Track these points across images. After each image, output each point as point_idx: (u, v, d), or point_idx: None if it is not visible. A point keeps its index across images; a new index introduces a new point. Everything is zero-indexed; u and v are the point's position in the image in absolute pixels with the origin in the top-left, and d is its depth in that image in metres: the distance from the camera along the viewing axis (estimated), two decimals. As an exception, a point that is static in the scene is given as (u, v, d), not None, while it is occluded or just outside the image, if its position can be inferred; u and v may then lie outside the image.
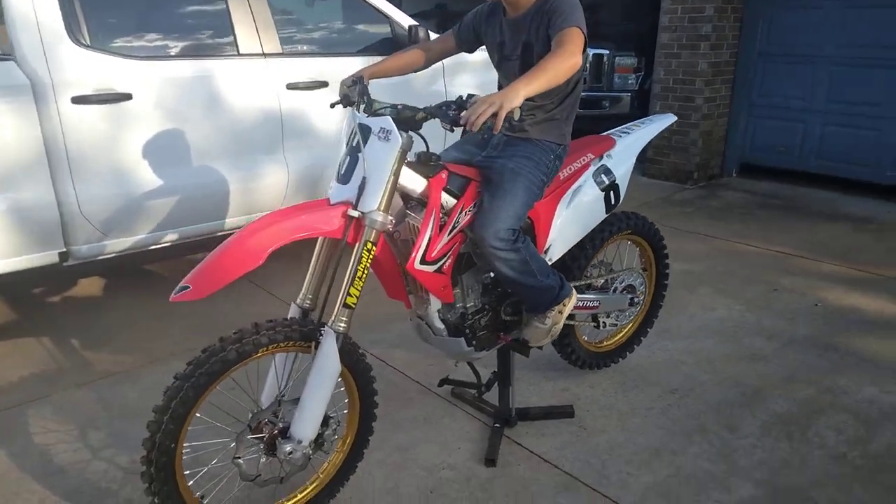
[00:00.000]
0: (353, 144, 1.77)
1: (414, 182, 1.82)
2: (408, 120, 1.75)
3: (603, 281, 2.47)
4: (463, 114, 1.60)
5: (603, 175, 2.24)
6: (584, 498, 2.02)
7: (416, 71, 2.26)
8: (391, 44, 3.80)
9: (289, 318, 1.83)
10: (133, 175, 2.99)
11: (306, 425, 1.72)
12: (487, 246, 1.86)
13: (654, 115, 2.65)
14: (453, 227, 1.88)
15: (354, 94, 1.90)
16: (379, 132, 1.72)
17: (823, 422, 2.38)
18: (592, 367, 2.63)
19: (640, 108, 6.26)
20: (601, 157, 2.27)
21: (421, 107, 1.76)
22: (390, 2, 3.83)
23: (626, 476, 2.12)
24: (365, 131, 1.74)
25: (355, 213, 1.71)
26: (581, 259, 2.34)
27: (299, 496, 1.91)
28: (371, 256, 1.73)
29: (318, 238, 1.83)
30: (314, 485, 1.93)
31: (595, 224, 2.28)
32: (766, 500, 2.00)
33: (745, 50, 5.54)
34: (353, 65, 3.64)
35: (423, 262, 1.83)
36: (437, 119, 1.72)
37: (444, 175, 1.86)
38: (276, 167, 3.42)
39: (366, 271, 1.73)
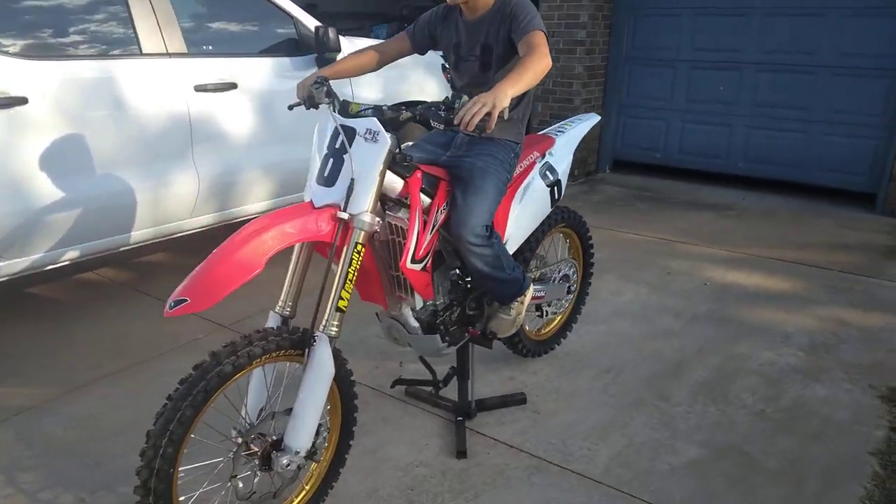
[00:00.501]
0: (337, 146, 1.75)
1: (393, 182, 1.83)
2: (391, 121, 1.76)
3: (540, 272, 2.61)
4: (458, 114, 1.64)
5: (548, 172, 2.38)
6: (555, 476, 2.15)
7: (369, 72, 2.26)
8: (296, 44, 3.73)
9: (272, 327, 1.77)
10: (29, 187, 2.70)
11: (302, 435, 1.68)
12: (465, 242, 1.92)
13: (580, 115, 2.84)
14: (433, 226, 1.92)
15: (322, 95, 1.88)
16: (365, 133, 1.72)
17: (738, 385, 2.69)
18: (535, 355, 2.77)
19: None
20: (544, 155, 2.40)
21: (402, 108, 1.78)
22: None
23: (588, 451, 2.27)
24: (349, 132, 1.74)
25: (345, 216, 1.71)
26: (526, 252, 2.46)
27: (287, 510, 1.86)
28: (360, 258, 1.73)
29: (294, 245, 1.79)
30: (300, 497, 1.89)
31: (542, 218, 2.41)
32: (711, 459, 2.24)
33: (614, 54, 6.02)
34: (261, 66, 3.54)
35: (412, 261, 1.85)
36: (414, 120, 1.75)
37: (419, 175, 1.89)
38: (185, 174, 3.23)
39: (356, 273, 1.73)
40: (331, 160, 1.76)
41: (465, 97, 1.68)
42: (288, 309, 1.82)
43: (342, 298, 1.71)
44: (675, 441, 2.33)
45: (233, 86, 3.36)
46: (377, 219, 1.75)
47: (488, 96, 1.63)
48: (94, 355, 2.84)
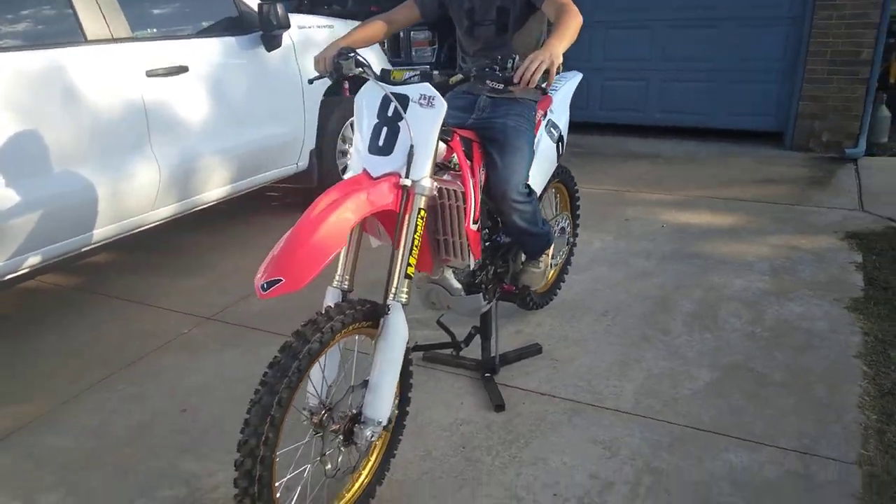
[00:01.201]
0: (390, 115, 1.73)
1: (440, 147, 1.83)
2: (440, 84, 1.76)
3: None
4: (517, 72, 1.66)
5: (552, 129, 2.44)
6: (592, 415, 2.25)
7: (380, 41, 2.22)
8: (240, 23, 3.57)
9: (332, 304, 1.74)
10: (-17, 192, 2.47)
11: (382, 405, 1.67)
12: (509, 201, 1.95)
13: (564, 73, 2.90)
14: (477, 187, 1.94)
15: (352, 65, 1.84)
16: (420, 99, 1.71)
17: (723, 311, 2.90)
18: (539, 307, 2.86)
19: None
20: (546, 113, 2.46)
21: (451, 71, 1.78)
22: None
23: (614, 388, 2.39)
24: (402, 100, 1.72)
25: (408, 182, 1.69)
26: (532, 207, 2.53)
27: (357, 484, 1.85)
28: (424, 223, 1.72)
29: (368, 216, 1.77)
30: (369, 467, 1.88)
31: (552, 172, 2.48)
32: (724, 379, 2.42)
33: (532, 18, 6.14)
34: (209, 47, 3.37)
35: (473, 221, 1.87)
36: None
37: (458, 138, 1.90)
38: (145, 165, 3.04)
39: (420, 239, 1.72)
40: (384, 129, 1.74)
41: (517, 56, 1.70)
42: (346, 283, 1.78)
43: (410, 265, 1.70)
44: (688, 367, 2.49)
45: (184, 69, 3.18)
46: (435, 183, 1.75)
47: (543, 53, 1.66)
48: (72, 366, 2.65)
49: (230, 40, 3.49)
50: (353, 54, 1.87)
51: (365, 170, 1.75)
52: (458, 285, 2.07)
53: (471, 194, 1.88)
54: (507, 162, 1.98)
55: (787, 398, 2.29)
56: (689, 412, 2.24)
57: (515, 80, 1.67)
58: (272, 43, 3.69)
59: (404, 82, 1.77)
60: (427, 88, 1.72)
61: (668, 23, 5.82)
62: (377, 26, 2.17)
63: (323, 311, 1.59)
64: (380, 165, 1.73)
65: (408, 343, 1.72)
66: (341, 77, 1.91)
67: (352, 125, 4.29)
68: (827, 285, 3.09)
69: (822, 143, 5.30)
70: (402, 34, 6.60)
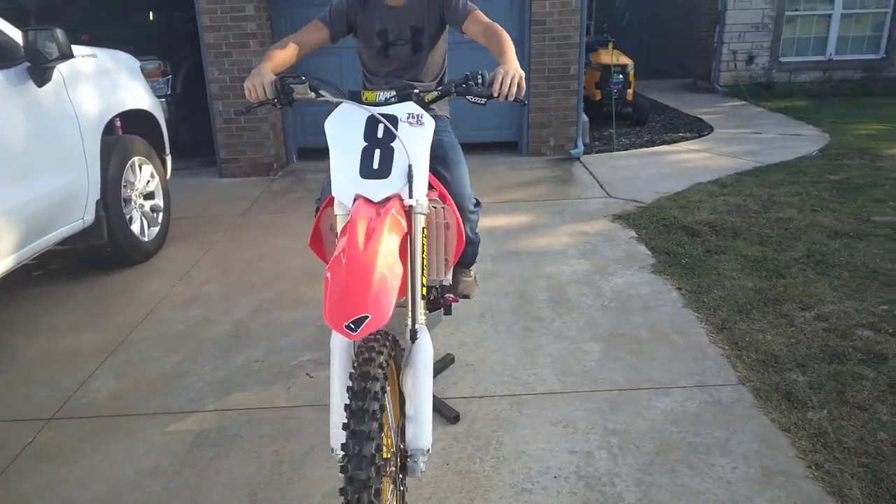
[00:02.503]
0: (380, 136, 1.67)
1: None
2: (420, 102, 1.76)
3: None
4: (494, 86, 1.75)
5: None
6: (535, 403, 2.43)
7: (291, 65, 2.08)
8: (3, 51, 2.94)
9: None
10: None
11: (426, 430, 1.63)
12: (466, 212, 2.02)
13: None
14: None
15: (307, 89, 1.75)
16: (409, 118, 1.69)
17: (572, 293, 3.33)
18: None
19: (181, 111, 6.13)
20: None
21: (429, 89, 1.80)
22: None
23: (536, 376, 2.61)
24: (391, 120, 1.68)
25: (413, 203, 1.67)
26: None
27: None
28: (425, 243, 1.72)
29: None
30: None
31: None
32: (610, 347, 2.81)
33: (277, 46, 6.07)
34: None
35: None
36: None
37: None
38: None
39: (425, 259, 1.71)
40: (377, 151, 1.68)
41: (485, 72, 1.79)
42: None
43: (423, 286, 1.69)
44: (578, 344, 2.83)
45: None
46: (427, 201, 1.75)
47: (509, 68, 1.78)
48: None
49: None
50: (304, 78, 1.78)
51: (359, 196, 1.68)
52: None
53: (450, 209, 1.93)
54: (455, 175, 2.06)
55: (661, 349, 2.77)
56: (604, 378, 2.58)
57: (495, 95, 1.78)
58: (42, 77, 3.10)
59: (386, 103, 1.75)
60: (413, 107, 1.73)
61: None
62: (291, 49, 2.07)
63: (363, 348, 1.50)
64: (379, 189, 1.68)
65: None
66: (290, 102, 1.80)
67: (133, 167, 3.82)
68: (627, 258, 3.75)
69: (551, 147, 6.28)
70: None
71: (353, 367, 1.43)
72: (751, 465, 2.06)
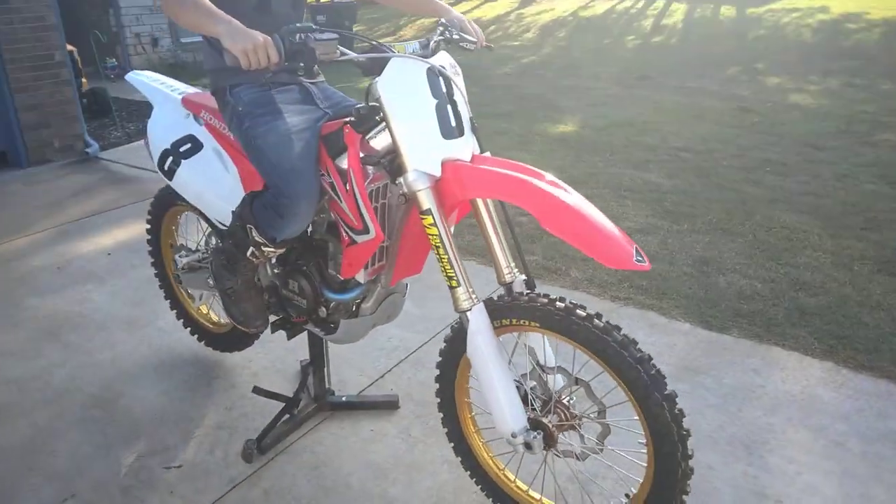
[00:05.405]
0: (444, 91, 1.45)
1: None
2: (434, 51, 1.58)
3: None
4: (478, 34, 1.70)
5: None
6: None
7: None
8: None
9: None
10: None
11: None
12: None
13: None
14: None
15: (333, 47, 1.36)
16: (452, 68, 1.51)
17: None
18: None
19: None
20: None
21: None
22: None
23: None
24: (445, 73, 1.48)
25: (488, 155, 1.54)
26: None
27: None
28: None
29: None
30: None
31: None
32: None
33: None
34: None
35: None
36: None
37: None
38: None
39: None
40: (448, 107, 1.46)
41: (464, 20, 1.70)
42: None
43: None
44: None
45: None
46: None
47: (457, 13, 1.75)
48: None
49: None
50: (329, 32, 1.37)
51: (449, 160, 1.46)
52: (400, 288, 1.88)
53: None
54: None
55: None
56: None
57: (482, 42, 1.73)
58: None
59: (424, 55, 1.51)
60: (448, 56, 1.56)
61: None
62: None
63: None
64: (464, 148, 1.48)
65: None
66: (312, 65, 1.37)
67: None
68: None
69: (59, 150, 5.15)
70: None
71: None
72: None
